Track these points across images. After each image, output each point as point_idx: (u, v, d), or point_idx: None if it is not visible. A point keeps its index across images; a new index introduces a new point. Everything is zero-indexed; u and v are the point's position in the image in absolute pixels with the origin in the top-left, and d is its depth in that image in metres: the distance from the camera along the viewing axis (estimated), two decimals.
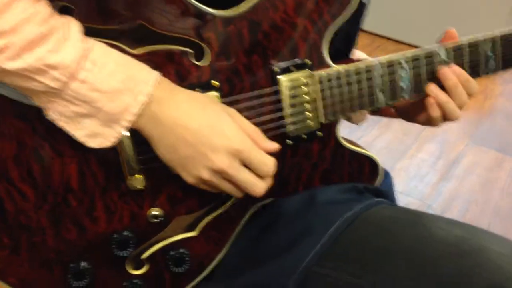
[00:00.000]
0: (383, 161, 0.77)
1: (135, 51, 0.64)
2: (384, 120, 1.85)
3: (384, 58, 0.73)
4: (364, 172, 0.77)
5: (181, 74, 0.66)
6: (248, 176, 0.62)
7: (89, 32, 0.60)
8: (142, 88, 0.58)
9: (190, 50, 0.66)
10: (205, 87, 0.66)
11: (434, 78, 0.75)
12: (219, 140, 0.60)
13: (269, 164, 0.63)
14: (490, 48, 0.76)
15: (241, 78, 0.68)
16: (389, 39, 2.85)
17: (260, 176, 0.63)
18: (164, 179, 0.67)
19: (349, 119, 0.83)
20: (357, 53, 0.89)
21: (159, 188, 0.68)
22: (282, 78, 0.69)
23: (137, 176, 0.66)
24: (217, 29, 0.66)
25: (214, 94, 0.67)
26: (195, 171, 0.61)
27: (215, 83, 0.67)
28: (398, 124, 2.15)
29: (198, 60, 0.66)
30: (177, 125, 0.59)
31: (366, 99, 0.73)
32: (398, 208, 0.72)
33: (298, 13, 0.68)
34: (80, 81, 0.56)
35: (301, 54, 0.70)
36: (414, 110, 0.78)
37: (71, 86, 0.56)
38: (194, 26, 0.65)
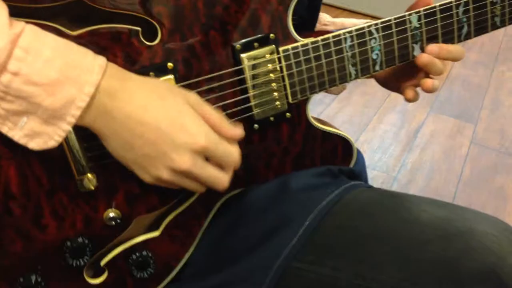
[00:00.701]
0: None
1: (74, 33, 0.55)
2: (344, 93, 1.81)
3: (353, 28, 0.67)
4: (338, 153, 0.72)
5: (130, 57, 0.58)
6: (212, 171, 0.55)
7: (18, 13, 0.51)
8: (87, 77, 0.50)
9: (139, 28, 0.58)
10: (160, 70, 0.59)
11: (406, 48, 0.70)
12: (181, 137, 0.52)
13: (234, 155, 0.56)
14: (462, 12, 0.72)
15: (198, 58, 0.61)
16: (350, 11, 2.81)
17: (223, 167, 0.56)
18: (119, 176, 0.60)
19: (327, 90, 0.77)
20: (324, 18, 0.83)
21: (114, 187, 0.60)
22: (245, 56, 0.62)
23: (87, 175, 0.58)
24: (168, 2, 0.58)
25: (169, 77, 0.59)
26: (154, 171, 0.53)
27: (170, 65, 0.59)
28: (359, 96, 2.12)
29: (149, 40, 0.58)
30: (132, 120, 0.52)
31: (336, 74, 0.67)
32: (377, 190, 0.67)
33: None
34: (11, 73, 0.47)
35: (264, 27, 0.63)
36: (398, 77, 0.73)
37: (0, 80, 0.47)
38: (142, 1, 0.57)
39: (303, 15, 0.65)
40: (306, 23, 0.66)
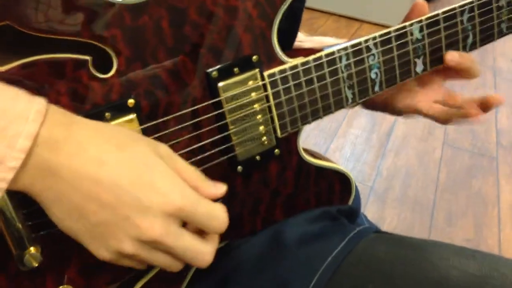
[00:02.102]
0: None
1: (2, 68, 0.42)
2: None
3: (348, 43, 0.56)
4: (335, 191, 0.61)
5: (79, 96, 0.45)
6: (191, 241, 0.43)
7: None
8: (19, 127, 0.37)
9: (88, 58, 0.45)
10: (118, 110, 0.46)
11: (407, 64, 0.60)
12: (149, 196, 0.40)
13: (220, 217, 0.43)
14: (467, 20, 0.62)
15: (166, 91, 0.48)
16: (326, 13, 2.73)
17: (205, 235, 0.44)
18: (70, 246, 0.47)
19: None
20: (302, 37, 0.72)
21: (65, 259, 0.48)
22: (223, 85, 0.50)
23: (29, 249, 0.45)
24: (124, 23, 0.45)
25: (131, 117, 0.47)
26: (113, 244, 0.41)
27: (131, 101, 0.47)
28: None
29: (102, 72, 0.46)
30: (83, 179, 0.39)
31: (331, 99, 0.57)
32: (389, 238, 0.56)
33: None
34: None
35: (245, 48, 0.51)
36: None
37: None
38: (89, 22, 0.44)
39: (280, 28, 0.53)
40: (285, 38, 0.55)
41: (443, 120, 0.64)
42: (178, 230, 0.42)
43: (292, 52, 0.56)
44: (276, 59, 0.53)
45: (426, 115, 0.65)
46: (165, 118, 0.49)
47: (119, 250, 0.41)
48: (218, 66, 0.50)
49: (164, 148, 0.43)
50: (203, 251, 0.43)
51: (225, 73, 0.50)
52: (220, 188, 0.45)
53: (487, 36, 0.65)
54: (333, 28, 2.83)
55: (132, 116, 0.47)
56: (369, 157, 1.73)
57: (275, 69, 0.53)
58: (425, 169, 1.72)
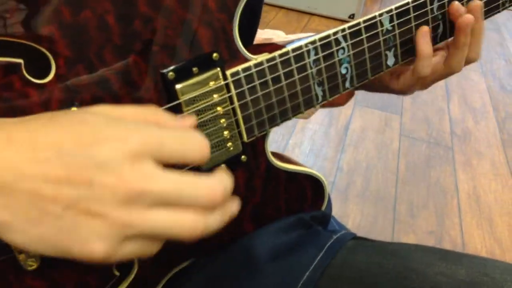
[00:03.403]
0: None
1: None
2: None
3: (316, 36, 0.52)
4: (307, 197, 0.56)
5: (11, 104, 0.38)
6: (181, 177, 0.33)
7: None
8: None
9: (21, 60, 0.38)
10: None
11: (378, 57, 0.56)
12: (102, 148, 0.32)
13: (197, 140, 0.35)
14: (437, 8, 0.59)
15: (115, 96, 0.42)
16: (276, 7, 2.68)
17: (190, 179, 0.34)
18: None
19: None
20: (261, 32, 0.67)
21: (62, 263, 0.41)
22: (181, 87, 0.44)
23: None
24: (63, 20, 0.39)
25: None
26: (96, 224, 0.31)
27: (74, 110, 0.40)
28: None
29: (38, 76, 0.39)
30: (22, 169, 0.31)
31: (300, 98, 0.52)
32: (369, 245, 0.52)
33: None
34: None
35: (204, 45, 0.46)
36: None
37: None
38: (21, 18, 0.37)
39: (240, 22, 0.48)
40: (245, 33, 0.50)
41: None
42: (154, 169, 0.32)
43: (255, 48, 0.51)
44: (239, 56, 0.48)
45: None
46: None
47: (107, 231, 0.31)
48: (174, 66, 0.44)
49: (100, 106, 0.36)
50: (206, 185, 0.34)
51: (183, 74, 0.45)
52: (187, 119, 0.37)
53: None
54: (284, 21, 2.80)
55: None
56: (329, 152, 1.71)
57: (239, 67, 0.47)
58: (384, 162, 1.71)
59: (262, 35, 0.71)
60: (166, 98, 0.44)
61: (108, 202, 0.31)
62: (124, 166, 0.31)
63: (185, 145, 0.34)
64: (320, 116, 1.88)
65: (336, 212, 1.47)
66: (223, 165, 0.40)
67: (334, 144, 1.75)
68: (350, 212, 1.47)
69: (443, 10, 0.59)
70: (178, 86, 0.44)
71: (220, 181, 0.35)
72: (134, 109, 0.36)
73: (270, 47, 0.52)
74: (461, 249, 1.39)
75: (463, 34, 0.57)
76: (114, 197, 0.31)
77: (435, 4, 0.58)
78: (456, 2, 0.58)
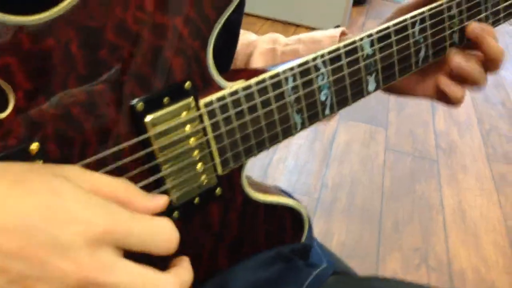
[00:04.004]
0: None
1: None
2: None
3: (294, 63, 0.50)
4: (286, 229, 0.54)
5: None
6: (138, 271, 0.32)
7: None
8: None
9: None
10: (18, 158, 0.37)
11: (359, 83, 0.55)
12: (66, 229, 0.30)
13: (167, 232, 0.35)
14: (419, 31, 0.57)
15: (80, 129, 0.40)
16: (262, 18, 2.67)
17: (153, 260, 0.34)
18: None
19: None
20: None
21: None
22: (151, 120, 0.42)
23: None
24: (22, 49, 0.36)
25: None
26: None
27: (34, 147, 0.38)
28: None
29: None
30: None
31: (278, 127, 0.50)
32: (350, 282, 0.50)
33: (163, 9, 0.41)
34: None
35: (176, 73, 0.43)
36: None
37: None
38: None
39: (216, 46, 0.46)
40: (221, 57, 0.48)
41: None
42: (114, 259, 0.32)
43: (231, 74, 0.49)
44: (213, 84, 0.46)
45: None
46: (81, 163, 0.40)
47: None
48: (144, 96, 0.42)
49: (72, 169, 0.34)
50: (159, 283, 0.33)
51: (153, 104, 0.42)
52: (160, 199, 0.36)
53: (439, 51, 0.60)
54: (269, 32, 2.79)
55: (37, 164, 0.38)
56: (313, 167, 1.69)
57: (212, 96, 0.45)
58: (369, 176, 1.69)
59: (263, 44, 0.69)
60: (135, 130, 0.42)
61: (56, 286, 0.30)
62: (83, 251, 0.30)
63: (153, 237, 0.33)
64: (305, 130, 1.87)
65: (320, 229, 1.45)
66: (186, 258, 0.38)
67: (319, 159, 1.73)
68: (335, 229, 1.45)
69: (424, 34, 0.58)
70: (147, 118, 0.42)
71: (179, 281, 0.34)
72: (106, 181, 0.35)
73: (247, 73, 0.50)
74: (446, 267, 1.37)
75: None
76: (64, 281, 0.30)
77: (416, 28, 0.57)
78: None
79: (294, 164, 1.69)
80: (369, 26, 3.07)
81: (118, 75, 0.41)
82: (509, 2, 0.63)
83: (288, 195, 0.72)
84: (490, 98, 2.39)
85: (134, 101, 0.41)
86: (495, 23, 0.63)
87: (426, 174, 1.76)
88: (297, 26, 2.89)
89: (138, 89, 0.42)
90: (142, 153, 0.42)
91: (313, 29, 2.86)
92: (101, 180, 0.35)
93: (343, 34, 0.68)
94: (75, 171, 0.35)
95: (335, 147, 1.81)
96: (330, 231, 1.43)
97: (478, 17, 0.61)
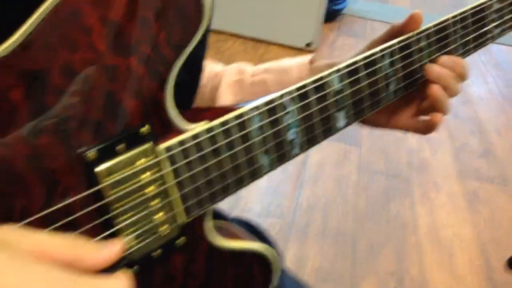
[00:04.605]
0: None
1: None
2: None
3: (260, 101, 0.47)
4: (254, 275, 0.51)
5: None
6: None
7: None
8: None
9: None
10: None
11: (328, 120, 0.52)
12: None
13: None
14: (389, 65, 0.55)
15: (23, 185, 0.36)
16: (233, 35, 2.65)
17: None
18: None
19: None
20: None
21: None
22: (103, 170, 0.39)
23: None
24: None
25: None
26: None
27: None
28: None
29: None
30: None
31: (244, 170, 0.47)
32: None
33: (116, 48, 0.38)
34: None
35: (132, 118, 0.40)
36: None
37: None
38: None
39: (177, 82, 0.43)
40: (183, 94, 0.45)
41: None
42: None
43: (193, 114, 0.46)
44: (173, 127, 0.43)
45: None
46: (25, 221, 0.36)
47: None
48: (95, 145, 0.38)
49: (10, 232, 0.30)
50: None
51: (106, 153, 0.39)
52: (112, 248, 0.33)
53: (412, 82, 0.58)
54: (240, 50, 2.78)
55: None
56: (287, 189, 1.67)
57: (173, 141, 0.42)
58: (344, 196, 1.68)
59: (230, 76, 0.66)
60: (86, 182, 0.38)
61: None
62: None
63: None
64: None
65: (295, 254, 1.42)
66: None
67: (292, 180, 1.71)
68: (310, 252, 1.43)
69: (395, 67, 0.56)
70: (99, 168, 0.39)
71: None
72: (50, 241, 0.31)
73: (211, 112, 0.47)
74: None
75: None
76: None
77: (386, 61, 0.55)
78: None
79: (267, 186, 1.66)
80: (341, 43, 3.09)
81: (66, 122, 0.37)
82: (479, 32, 0.62)
83: (259, 232, 0.69)
84: (459, 114, 2.42)
85: (83, 150, 0.38)
86: (465, 54, 0.62)
87: (400, 193, 1.75)
88: (269, 43, 2.88)
89: (89, 137, 0.38)
90: (94, 206, 0.39)
91: (284, 46, 2.86)
92: (44, 241, 0.31)
93: (311, 61, 0.66)
94: (14, 234, 0.31)
95: (308, 167, 1.79)
96: (305, 256, 1.41)
97: (448, 49, 0.59)
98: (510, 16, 0.66)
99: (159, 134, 0.42)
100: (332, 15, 3.27)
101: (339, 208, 1.62)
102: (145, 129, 0.41)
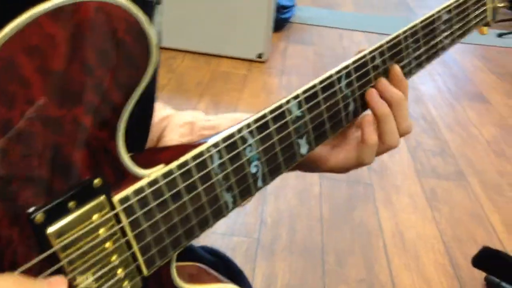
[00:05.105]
0: None
1: None
2: None
3: (219, 137, 0.45)
4: None
5: None
6: None
7: None
8: None
9: None
10: None
11: (290, 148, 0.51)
12: None
13: None
14: (345, 86, 0.55)
15: None
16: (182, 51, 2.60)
17: None
18: None
19: None
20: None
21: None
22: (54, 231, 0.36)
23: None
24: None
25: None
26: None
27: None
28: None
29: None
30: None
31: (207, 211, 0.45)
32: None
33: (59, 99, 0.35)
34: None
35: (82, 171, 0.37)
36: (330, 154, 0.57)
37: None
38: None
39: (130, 124, 0.40)
40: (134, 135, 0.42)
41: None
42: None
43: (148, 158, 0.43)
44: (127, 175, 0.40)
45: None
46: None
47: None
48: (43, 204, 0.35)
49: None
50: None
51: (56, 212, 0.36)
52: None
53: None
54: (193, 66, 2.75)
55: None
56: (250, 205, 1.65)
57: (129, 190, 0.39)
58: (307, 208, 1.67)
59: (181, 117, 0.63)
60: (37, 245, 0.35)
61: None
62: None
63: None
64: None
65: (264, 272, 1.40)
66: None
67: (255, 196, 1.69)
68: (278, 269, 1.41)
69: (352, 88, 0.55)
70: (50, 230, 0.35)
71: None
72: None
73: (167, 153, 0.44)
74: None
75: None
76: None
77: (343, 82, 0.54)
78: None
79: None
80: (292, 50, 3.11)
81: (9, 182, 0.34)
82: (431, 44, 0.63)
83: (226, 261, 0.67)
84: (411, 114, 2.47)
85: (31, 211, 0.35)
86: (419, 67, 0.62)
87: (362, 198, 1.76)
88: (220, 57, 2.86)
89: (35, 197, 0.35)
90: (48, 271, 0.35)
91: (236, 59, 2.84)
92: None
93: None
94: None
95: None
96: (273, 273, 1.39)
97: (402, 63, 0.59)
98: (458, 25, 0.67)
99: (113, 184, 0.39)
100: (280, 24, 3.29)
101: (303, 221, 1.61)
102: (97, 181, 0.38)
